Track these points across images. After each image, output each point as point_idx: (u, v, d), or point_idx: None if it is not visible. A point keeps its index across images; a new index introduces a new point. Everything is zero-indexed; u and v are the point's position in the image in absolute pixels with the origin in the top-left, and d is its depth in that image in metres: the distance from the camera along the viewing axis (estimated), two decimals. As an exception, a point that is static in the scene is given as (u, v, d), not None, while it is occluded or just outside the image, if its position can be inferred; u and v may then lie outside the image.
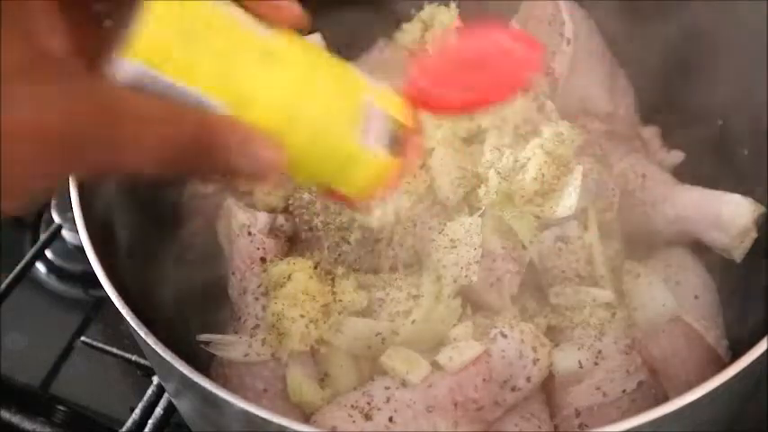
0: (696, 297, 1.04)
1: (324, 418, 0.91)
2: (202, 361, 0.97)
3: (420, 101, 0.75)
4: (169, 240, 1.11)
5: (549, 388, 0.99)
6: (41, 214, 1.45)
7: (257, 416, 0.76)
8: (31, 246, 1.38)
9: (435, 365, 0.94)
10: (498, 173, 1.03)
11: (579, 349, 0.98)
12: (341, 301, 0.98)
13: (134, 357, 1.21)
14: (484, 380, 0.93)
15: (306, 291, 0.97)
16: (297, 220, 1.06)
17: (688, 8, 1.15)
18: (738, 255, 1.05)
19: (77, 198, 0.92)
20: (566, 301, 1.02)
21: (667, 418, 0.75)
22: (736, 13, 1.10)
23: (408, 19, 1.23)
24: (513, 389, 0.94)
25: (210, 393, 0.78)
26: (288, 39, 0.68)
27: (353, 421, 0.90)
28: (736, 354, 0.98)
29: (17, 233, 1.46)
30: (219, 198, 1.12)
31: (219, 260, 1.09)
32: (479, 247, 0.99)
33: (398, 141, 0.72)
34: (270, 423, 0.76)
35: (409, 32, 1.22)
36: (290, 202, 1.07)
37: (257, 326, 0.98)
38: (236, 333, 0.99)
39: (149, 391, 1.18)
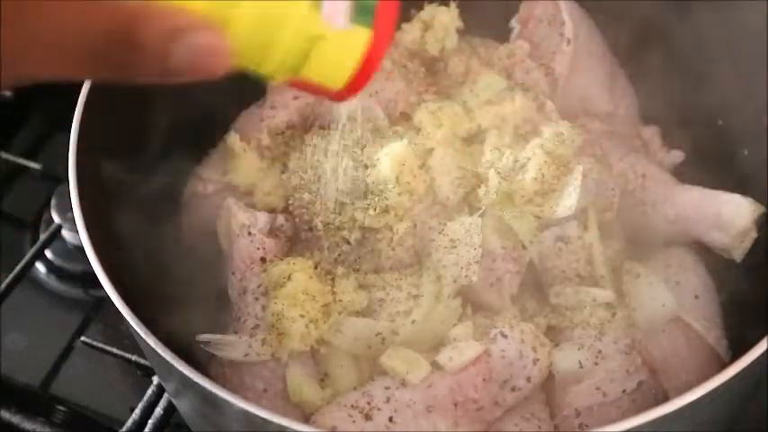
0: (696, 297, 1.04)
1: (324, 418, 0.91)
2: (202, 361, 0.97)
3: None
4: (169, 240, 1.11)
5: (549, 388, 0.99)
6: (41, 214, 1.45)
7: (257, 416, 0.76)
8: (31, 246, 1.38)
9: (435, 365, 0.94)
10: (498, 173, 1.03)
11: (579, 349, 0.98)
12: (341, 301, 0.98)
13: (134, 357, 1.21)
14: (484, 380, 0.93)
15: (306, 291, 0.97)
16: (297, 220, 1.06)
17: (688, 9, 1.15)
18: (738, 255, 1.05)
19: (77, 198, 0.92)
20: (566, 301, 1.02)
21: (667, 418, 0.75)
22: (736, 13, 1.10)
23: (408, 19, 1.23)
24: (513, 389, 0.94)
25: (210, 393, 0.78)
26: None
27: (353, 421, 0.90)
28: (736, 354, 0.98)
29: (17, 233, 1.46)
30: (219, 198, 1.12)
31: (219, 260, 1.09)
32: (479, 247, 0.99)
33: (367, 13, 0.64)
34: (270, 423, 0.76)
35: (409, 32, 1.22)
36: (290, 202, 1.07)
37: (257, 326, 0.98)
38: (236, 333, 0.99)
39: (149, 391, 1.18)
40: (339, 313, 0.98)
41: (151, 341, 0.82)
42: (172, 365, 0.80)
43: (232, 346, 0.97)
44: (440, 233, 1.02)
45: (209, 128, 1.19)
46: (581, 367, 0.97)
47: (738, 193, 1.06)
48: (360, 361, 0.99)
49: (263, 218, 1.05)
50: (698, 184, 1.11)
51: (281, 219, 1.07)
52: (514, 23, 1.25)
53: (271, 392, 0.96)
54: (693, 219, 1.07)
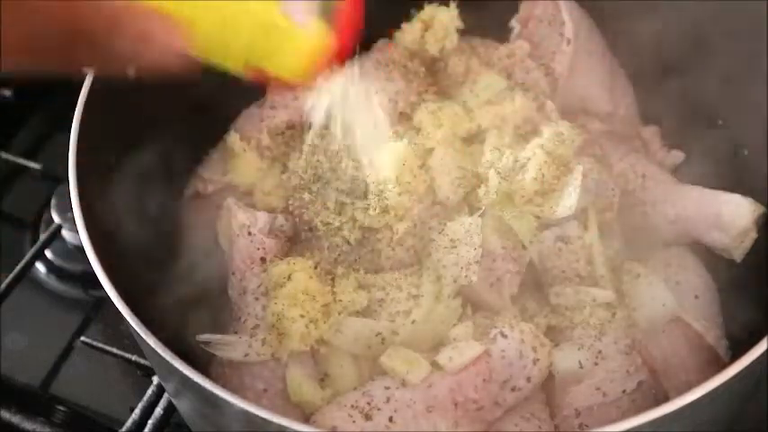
0: (696, 297, 1.04)
1: (324, 418, 0.91)
2: (202, 361, 0.97)
3: None
4: (169, 241, 1.11)
5: (549, 388, 0.99)
6: (41, 214, 1.45)
7: (257, 416, 0.76)
8: (31, 246, 1.38)
9: (435, 365, 0.94)
10: (498, 173, 1.03)
11: (579, 349, 0.98)
12: (341, 301, 0.98)
13: (134, 357, 1.21)
14: (484, 380, 0.93)
15: (306, 291, 0.97)
16: (297, 220, 1.06)
17: (689, 8, 1.15)
18: (738, 255, 1.05)
19: (77, 198, 0.92)
20: (566, 301, 1.02)
21: (667, 418, 0.75)
22: (736, 13, 1.10)
23: (408, 19, 1.23)
24: (513, 389, 0.94)
25: (210, 393, 0.78)
26: None
27: (353, 421, 0.90)
28: (736, 354, 0.98)
29: (17, 233, 1.46)
30: (219, 198, 1.12)
31: (219, 260, 1.09)
32: (479, 247, 0.99)
33: (329, 12, 0.69)
34: (270, 423, 0.76)
35: (409, 32, 1.22)
36: (290, 202, 1.07)
37: (257, 326, 0.98)
38: (236, 333, 0.99)
39: (149, 391, 1.18)
40: (339, 313, 0.98)
41: (151, 341, 0.82)
42: (172, 365, 0.80)
43: (232, 346, 0.97)
44: (440, 233, 1.02)
45: (209, 128, 1.19)
46: (581, 367, 0.97)
47: (738, 193, 1.06)
48: (360, 361, 0.99)
49: (263, 218, 1.05)
50: (698, 184, 1.11)
51: (281, 219, 1.07)
52: (514, 23, 1.25)
53: (271, 392, 0.96)
54: (693, 219, 1.07)
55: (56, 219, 1.38)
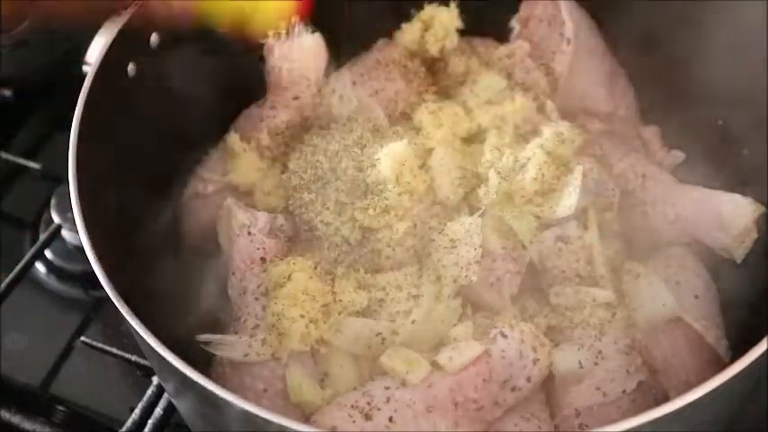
0: (696, 297, 1.04)
1: (324, 418, 0.91)
2: (202, 361, 0.97)
3: None
4: (169, 240, 1.11)
5: (549, 388, 0.99)
6: (41, 214, 1.45)
7: (257, 416, 0.76)
8: (31, 246, 1.38)
9: (435, 365, 0.94)
10: (498, 173, 1.03)
11: (579, 349, 0.98)
12: (341, 301, 0.98)
13: (134, 357, 1.21)
14: (484, 380, 0.93)
15: (306, 291, 0.97)
16: (297, 220, 1.06)
17: (689, 8, 1.15)
18: (739, 255, 1.05)
19: (77, 198, 0.92)
20: (566, 301, 1.02)
21: (667, 418, 0.75)
22: (736, 13, 1.10)
23: (408, 19, 1.23)
24: (513, 389, 0.94)
25: (210, 393, 0.78)
26: None
27: (353, 421, 0.90)
28: (736, 354, 0.98)
29: (17, 233, 1.46)
30: (219, 198, 1.12)
31: (219, 260, 1.09)
32: (479, 247, 0.99)
33: None
34: (270, 423, 0.76)
35: (409, 32, 1.22)
36: (290, 202, 1.07)
37: (257, 326, 0.98)
38: (236, 333, 0.99)
39: (149, 391, 1.18)
40: (339, 313, 0.98)
41: (151, 341, 0.82)
42: (172, 365, 0.80)
43: (232, 346, 0.97)
44: (440, 233, 1.02)
45: (209, 128, 1.19)
46: (581, 367, 0.97)
47: (738, 193, 1.05)
48: (360, 361, 0.99)
49: (263, 218, 1.05)
50: (698, 184, 1.10)
51: (281, 219, 1.07)
52: (514, 23, 1.25)
53: (271, 392, 0.96)
54: (693, 219, 1.07)
55: (56, 219, 1.38)
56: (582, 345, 0.98)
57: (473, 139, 1.12)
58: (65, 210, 1.38)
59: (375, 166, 1.02)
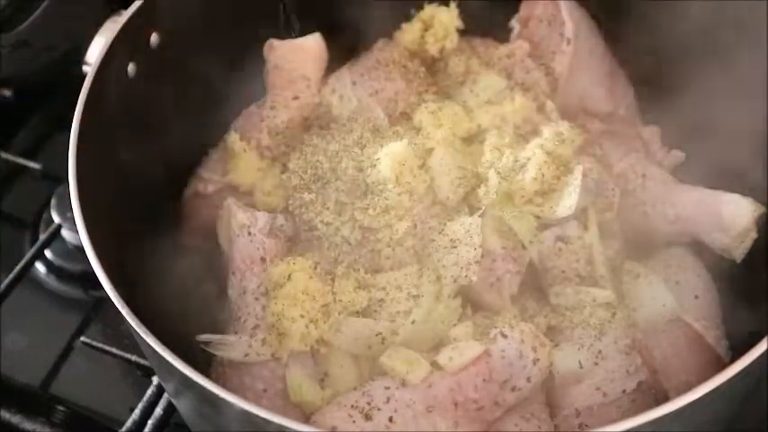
0: (696, 297, 1.04)
1: (324, 418, 0.91)
2: (202, 361, 0.97)
3: None
4: (169, 240, 1.11)
5: (549, 388, 0.99)
6: (41, 214, 1.45)
7: (257, 416, 0.76)
8: (31, 246, 1.38)
9: (435, 365, 0.94)
10: (498, 173, 1.03)
11: (579, 349, 0.98)
12: (341, 301, 0.98)
13: (134, 357, 1.21)
14: (484, 380, 0.93)
15: (306, 291, 0.97)
16: (297, 220, 1.06)
17: (688, 8, 1.15)
18: (738, 255, 1.05)
19: (77, 198, 0.92)
20: (566, 301, 1.02)
21: (667, 418, 0.75)
22: (736, 13, 1.10)
23: (408, 19, 1.23)
24: (513, 389, 0.94)
25: (210, 393, 0.78)
26: None
27: (353, 421, 0.90)
28: (736, 354, 0.98)
29: (17, 233, 1.46)
30: (219, 198, 1.12)
31: (219, 260, 1.09)
32: (479, 247, 0.99)
33: None
34: (270, 423, 0.76)
35: (409, 32, 1.22)
36: (290, 202, 1.07)
37: (257, 326, 0.98)
38: (236, 333, 0.99)
39: (149, 391, 1.18)
40: (339, 313, 0.98)
41: (151, 341, 0.82)
42: (172, 365, 0.80)
43: (232, 346, 0.97)
44: (440, 233, 1.02)
45: (209, 128, 1.19)
46: (581, 367, 0.97)
47: (738, 193, 1.05)
48: (360, 361, 0.99)
49: (263, 218, 1.05)
50: (698, 184, 1.10)
51: (281, 219, 1.07)
52: (514, 23, 1.25)
53: (271, 392, 0.96)
54: (693, 219, 1.07)
55: (56, 219, 1.38)
56: (582, 345, 0.98)
57: (473, 139, 1.12)
58: (65, 210, 1.38)
59: (375, 166, 1.02)
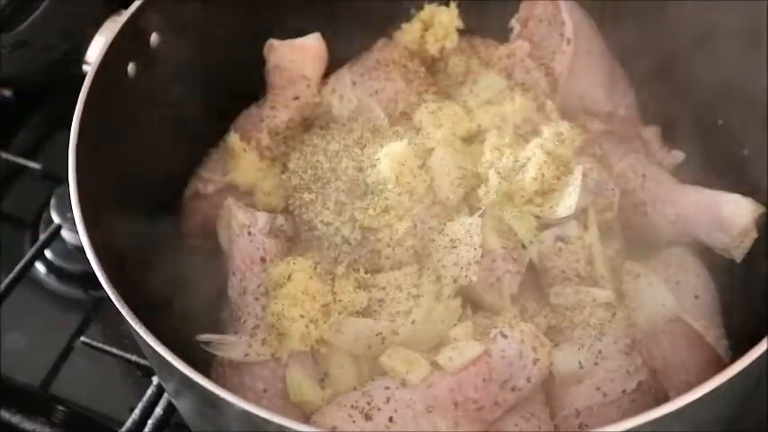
0: (696, 297, 1.04)
1: (324, 418, 0.91)
2: (202, 361, 0.97)
3: None
4: (169, 240, 1.11)
5: (549, 388, 0.99)
6: (41, 214, 1.45)
7: (257, 416, 0.76)
8: (31, 246, 1.38)
9: (435, 365, 0.94)
10: (498, 173, 1.03)
11: (579, 349, 0.98)
12: (341, 301, 0.98)
13: (134, 357, 1.21)
14: (484, 380, 0.93)
15: (306, 291, 0.97)
16: (297, 220, 1.06)
17: (689, 8, 1.15)
18: (738, 255, 1.05)
19: (77, 198, 0.92)
20: (566, 301, 1.02)
21: (667, 418, 0.75)
22: (736, 13, 1.10)
23: (408, 19, 1.23)
24: (513, 389, 0.94)
25: (210, 393, 0.78)
26: None
27: (353, 421, 0.90)
28: (736, 354, 0.98)
29: (17, 233, 1.46)
30: (219, 198, 1.12)
31: (219, 260, 1.09)
32: (479, 247, 0.99)
33: None
34: (270, 423, 0.76)
35: (409, 32, 1.22)
36: (290, 202, 1.07)
37: (257, 326, 0.98)
38: (236, 333, 0.99)
39: (149, 391, 1.18)
40: (339, 313, 0.98)
41: (151, 341, 0.82)
42: (172, 365, 0.80)
43: (232, 346, 0.97)
44: (440, 233, 1.02)
45: (209, 128, 1.19)
46: (581, 367, 0.97)
47: (738, 193, 1.05)
48: (360, 361, 0.99)
49: (263, 218, 1.05)
50: (698, 184, 1.10)
51: (280, 219, 1.07)
52: (514, 23, 1.25)
53: (271, 392, 0.96)
54: (693, 219, 1.07)
55: (56, 219, 1.38)
56: (582, 345, 0.98)
57: (473, 139, 1.12)
58: (65, 210, 1.38)
59: (375, 166, 1.02)
